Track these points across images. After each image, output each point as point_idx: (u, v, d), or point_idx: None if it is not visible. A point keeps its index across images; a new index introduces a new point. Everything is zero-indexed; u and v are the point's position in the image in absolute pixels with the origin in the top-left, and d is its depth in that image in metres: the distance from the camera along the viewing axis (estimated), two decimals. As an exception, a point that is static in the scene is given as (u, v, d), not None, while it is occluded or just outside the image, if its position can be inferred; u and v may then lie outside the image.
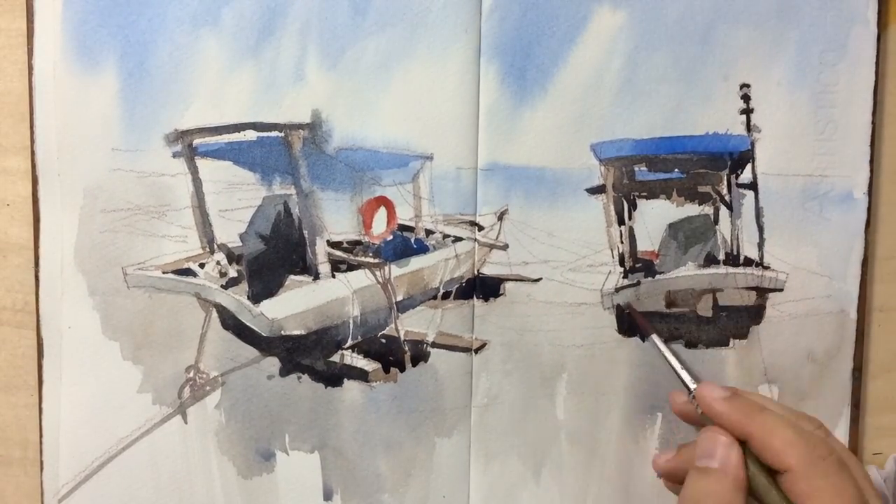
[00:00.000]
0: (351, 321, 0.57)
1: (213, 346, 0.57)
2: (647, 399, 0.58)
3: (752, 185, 0.57)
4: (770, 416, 0.44)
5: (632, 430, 0.59)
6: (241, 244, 0.57)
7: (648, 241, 0.58)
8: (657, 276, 0.58)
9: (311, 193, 0.56)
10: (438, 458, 0.58)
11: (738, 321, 0.58)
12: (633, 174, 0.57)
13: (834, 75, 0.56)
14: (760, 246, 0.58)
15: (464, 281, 0.57)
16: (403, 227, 0.58)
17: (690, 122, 0.56)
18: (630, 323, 0.58)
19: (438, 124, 0.56)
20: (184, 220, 0.56)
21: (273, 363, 0.57)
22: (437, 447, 0.58)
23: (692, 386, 0.49)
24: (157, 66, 0.55)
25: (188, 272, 0.56)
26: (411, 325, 0.58)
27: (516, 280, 0.57)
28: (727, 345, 0.58)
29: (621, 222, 0.57)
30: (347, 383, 0.57)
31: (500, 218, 0.57)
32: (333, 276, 0.57)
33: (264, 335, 0.56)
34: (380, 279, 0.57)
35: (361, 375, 0.57)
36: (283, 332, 0.56)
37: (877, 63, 0.56)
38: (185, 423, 0.57)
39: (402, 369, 0.58)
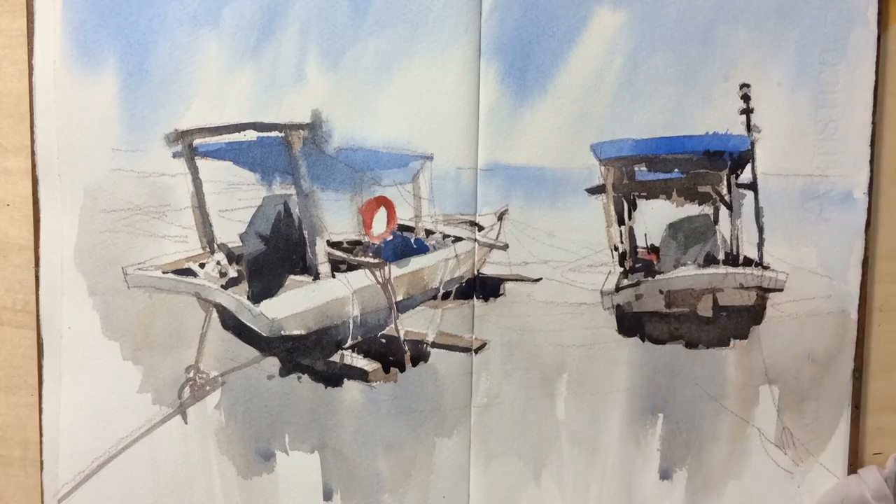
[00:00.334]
0: (351, 321, 0.57)
1: (213, 346, 0.57)
2: (648, 399, 0.58)
3: (752, 185, 0.57)
4: None
5: (632, 431, 0.59)
6: (241, 244, 0.57)
7: (648, 241, 0.58)
8: (657, 276, 0.58)
9: (311, 193, 0.56)
10: (438, 458, 0.58)
11: (739, 321, 0.58)
12: (633, 174, 0.57)
13: (834, 75, 0.56)
14: (760, 246, 0.58)
15: (464, 281, 0.57)
16: (403, 227, 0.58)
17: (690, 122, 0.56)
18: (630, 323, 0.58)
19: (438, 124, 0.56)
20: (184, 220, 0.56)
21: (273, 363, 0.57)
22: (437, 447, 0.58)
23: None
24: (157, 66, 0.55)
25: (188, 272, 0.56)
26: (411, 325, 0.58)
27: (516, 280, 0.57)
28: (727, 345, 0.58)
29: (621, 222, 0.57)
30: (347, 383, 0.57)
31: (500, 218, 0.57)
32: (333, 276, 0.57)
33: (264, 335, 0.56)
34: (380, 279, 0.57)
35: (361, 375, 0.57)
36: (283, 332, 0.56)
37: (877, 63, 0.56)
38: (185, 423, 0.57)
39: (402, 369, 0.58)
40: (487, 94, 0.56)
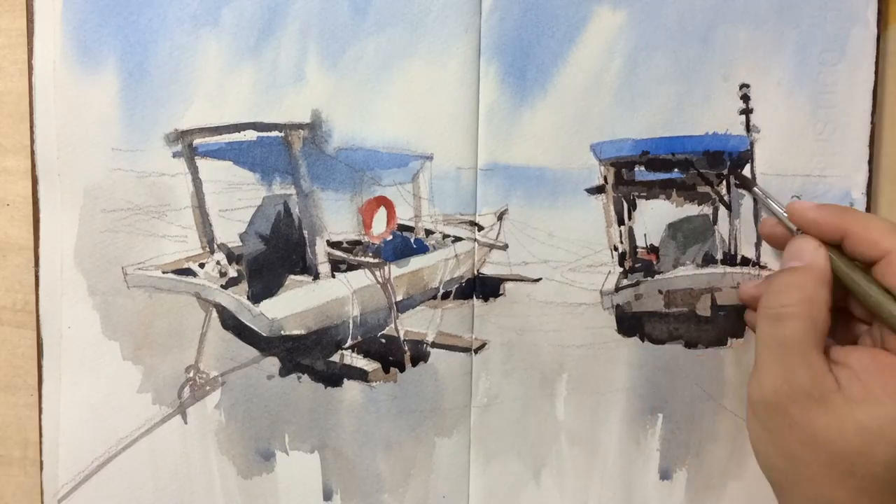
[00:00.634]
0: (351, 321, 0.57)
1: (213, 346, 0.57)
2: (648, 399, 0.58)
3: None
4: (863, 214, 0.50)
5: (632, 431, 0.59)
6: (241, 244, 0.57)
7: (648, 241, 0.58)
8: (656, 276, 0.58)
9: (311, 193, 0.56)
10: (438, 458, 0.58)
11: (737, 320, 0.58)
12: (633, 174, 0.57)
13: (833, 75, 0.56)
14: (758, 246, 0.58)
15: (464, 281, 0.58)
16: (403, 227, 0.58)
17: (690, 122, 0.56)
18: (630, 323, 0.58)
19: (438, 124, 0.56)
20: (184, 220, 0.56)
21: (273, 363, 0.57)
22: (437, 447, 0.58)
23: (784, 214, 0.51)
24: (157, 66, 0.55)
25: (188, 272, 0.56)
26: (411, 325, 0.58)
27: (516, 280, 0.57)
28: (725, 344, 0.58)
29: (621, 222, 0.57)
30: (347, 383, 0.57)
31: (500, 218, 0.57)
32: (333, 276, 0.57)
33: (264, 335, 0.56)
34: (380, 279, 0.57)
35: (361, 375, 0.57)
36: (282, 332, 0.56)
37: (876, 63, 0.56)
38: (185, 423, 0.57)
39: (402, 369, 0.58)
40: (487, 94, 0.56)
